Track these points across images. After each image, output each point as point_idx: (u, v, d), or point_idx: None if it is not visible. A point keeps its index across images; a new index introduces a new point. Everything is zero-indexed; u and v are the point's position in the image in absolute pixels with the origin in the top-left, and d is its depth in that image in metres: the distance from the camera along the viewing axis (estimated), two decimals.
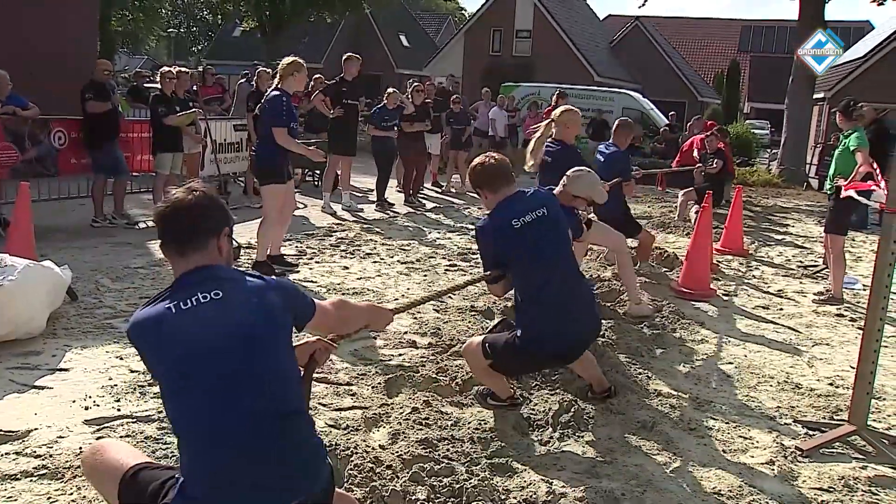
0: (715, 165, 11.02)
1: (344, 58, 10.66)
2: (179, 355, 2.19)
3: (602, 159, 7.22)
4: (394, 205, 11.56)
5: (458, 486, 3.30)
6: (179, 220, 2.35)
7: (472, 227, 10.39)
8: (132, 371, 4.47)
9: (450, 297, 6.39)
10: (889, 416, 4.53)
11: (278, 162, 6.84)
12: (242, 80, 12.43)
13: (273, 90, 6.83)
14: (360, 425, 3.90)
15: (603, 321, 5.65)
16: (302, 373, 2.60)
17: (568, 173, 5.09)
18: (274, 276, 2.45)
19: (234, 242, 2.57)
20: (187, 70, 11.09)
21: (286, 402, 2.29)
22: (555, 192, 4.93)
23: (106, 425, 3.78)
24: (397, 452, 3.55)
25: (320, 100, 10.99)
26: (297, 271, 7.28)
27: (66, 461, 3.38)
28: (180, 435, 2.25)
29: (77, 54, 12.50)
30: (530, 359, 4.01)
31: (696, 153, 11.85)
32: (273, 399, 2.24)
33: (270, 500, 2.21)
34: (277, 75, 6.86)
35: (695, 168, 11.25)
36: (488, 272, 4.04)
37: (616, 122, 7.59)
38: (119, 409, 3.98)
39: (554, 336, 3.89)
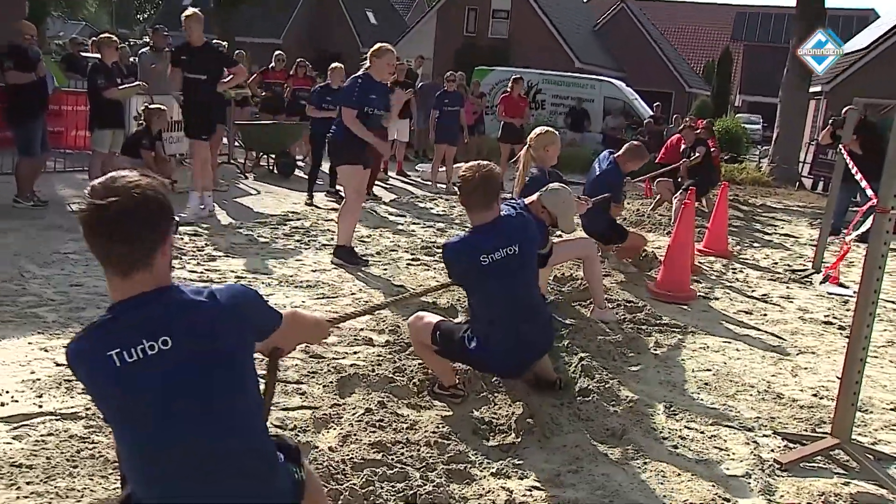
0: (697, 154, 11.20)
1: (184, 15, 8.90)
2: (125, 404, 2.12)
3: (597, 173, 7.21)
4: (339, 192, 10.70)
5: (411, 492, 3.32)
6: (120, 232, 2.04)
7: (438, 218, 10.45)
8: (58, 364, 4.41)
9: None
10: (875, 430, 4.59)
11: (352, 142, 7.15)
12: (144, 49, 12.28)
13: (359, 73, 7.26)
14: (308, 426, 3.92)
15: (571, 322, 5.76)
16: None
17: (549, 185, 5.12)
18: (236, 286, 2.29)
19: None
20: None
21: (245, 437, 2.24)
22: (527, 201, 5.00)
23: (25, 423, 3.73)
24: (348, 456, 3.56)
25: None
26: (367, 264, 7.49)
27: None
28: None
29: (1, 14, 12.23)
30: (475, 365, 4.44)
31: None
32: (229, 435, 2.20)
33: None
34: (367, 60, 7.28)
35: (681, 163, 11.39)
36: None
37: (631, 144, 7.49)
38: (41, 406, 3.93)
39: (503, 356, 4.19)
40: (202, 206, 9.13)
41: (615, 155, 7.32)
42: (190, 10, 8.81)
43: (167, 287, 2.14)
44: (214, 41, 11.55)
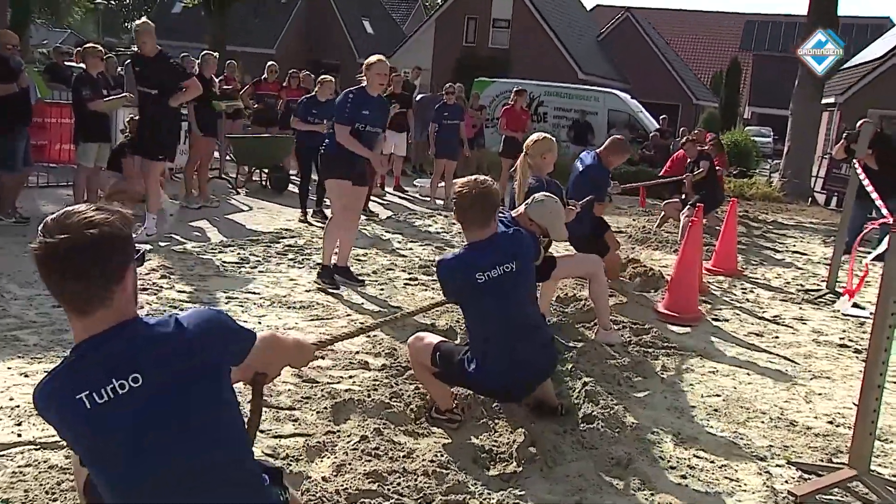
0: (701, 168, 11.21)
1: (135, 28, 8.77)
2: (94, 445, 2.09)
3: (580, 169, 7.20)
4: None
5: None
6: (72, 269, 2.02)
7: (436, 236, 10.43)
8: None
9: None
10: None
11: (342, 156, 7.12)
12: (129, 62, 12.33)
13: (353, 87, 7.26)
14: (301, 455, 3.89)
15: (575, 345, 5.74)
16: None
17: (533, 196, 5.12)
18: (201, 310, 2.28)
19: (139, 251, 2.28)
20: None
21: (230, 448, 2.23)
22: (514, 213, 5.00)
23: (3, 453, 3.70)
24: (342, 486, 3.53)
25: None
26: (363, 284, 7.46)
27: None
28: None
29: None
30: (474, 388, 4.46)
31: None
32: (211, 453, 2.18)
33: None
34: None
35: (684, 177, 11.39)
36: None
37: (613, 138, 7.47)
38: (20, 435, 3.90)
39: (498, 376, 4.21)
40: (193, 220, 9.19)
41: (597, 150, 7.33)
42: (139, 22, 8.66)
43: (130, 321, 2.13)
44: (205, 52, 11.59)
